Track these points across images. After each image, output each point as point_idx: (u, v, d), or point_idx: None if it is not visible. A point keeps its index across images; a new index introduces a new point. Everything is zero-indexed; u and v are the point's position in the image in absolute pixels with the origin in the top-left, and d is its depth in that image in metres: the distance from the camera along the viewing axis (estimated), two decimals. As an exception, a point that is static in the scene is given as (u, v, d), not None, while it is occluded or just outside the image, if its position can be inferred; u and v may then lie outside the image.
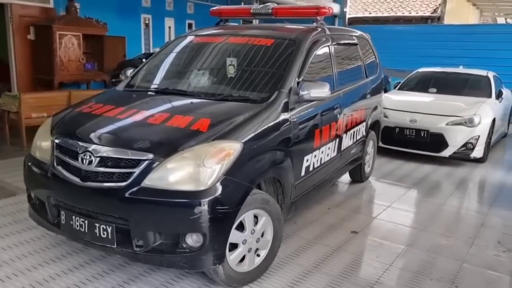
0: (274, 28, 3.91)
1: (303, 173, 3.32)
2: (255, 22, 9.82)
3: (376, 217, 4.12)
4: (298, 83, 3.19)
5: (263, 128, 2.77)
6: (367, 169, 5.17)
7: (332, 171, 4.00)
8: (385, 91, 9.23)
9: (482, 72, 7.42)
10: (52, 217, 2.77)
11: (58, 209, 2.72)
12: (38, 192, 2.89)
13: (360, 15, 13.64)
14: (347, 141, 4.19)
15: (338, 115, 3.84)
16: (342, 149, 4.10)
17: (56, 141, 2.78)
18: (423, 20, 12.94)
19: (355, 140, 4.45)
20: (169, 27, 10.79)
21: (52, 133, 2.87)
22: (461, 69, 7.78)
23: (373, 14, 13.53)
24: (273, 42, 3.50)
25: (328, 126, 3.66)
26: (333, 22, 12.63)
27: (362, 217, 4.10)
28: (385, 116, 6.38)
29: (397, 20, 13.11)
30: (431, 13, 12.82)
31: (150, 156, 2.43)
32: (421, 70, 7.96)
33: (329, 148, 3.75)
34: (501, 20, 18.77)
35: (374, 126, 5.19)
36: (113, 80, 7.71)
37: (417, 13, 12.91)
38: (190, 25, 11.19)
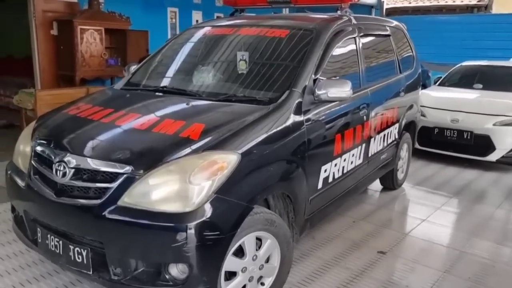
0: (291, 17, 3.43)
1: (320, 186, 2.86)
2: (281, 11, 9.34)
3: (408, 234, 3.59)
4: (314, 80, 2.73)
5: (268, 135, 2.33)
6: (400, 175, 4.61)
7: (358, 181, 3.50)
8: (424, 87, 8.55)
9: (535, 66, 6.61)
10: (31, 233, 2.46)
11: (35, 225, 2.40)
12: (16, 204, 2.59)
13: (399, 5, 12.81)
14: (375, 146, 3.68)
15: (364, 116, 3.34)
16: (370, 155, 3.59)
17: (35, 147, 2.46)
18: (469, 9, 11.95)
19: (385, 144, 3.92)
20: (197, 21, 10.48)
21: (33, 137, 2.56)
22: (510, 62, 6.99)
23: (413, 4, 12.65)
24: (288, 33, 3.04)
25: (353, 130, 3.17)
26: (369, 14, 11.90)
27: (392, 233, 3.58)
28: (423, 115, 5.76)
29: (439, 9, 12.18)
30: (478, 1, 11.84)
31: (129, 169, 2.05)
32: (465, 63, 7.22)
33: (353, 155, 3.26)
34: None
35: (409, 127, 4.62)
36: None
37: (461, 1, 11.96)
38: (218, 18, 10.83)
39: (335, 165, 3.00)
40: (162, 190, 2.02)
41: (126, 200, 2.03)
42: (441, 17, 11.52)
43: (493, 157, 5.38)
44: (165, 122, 2.32)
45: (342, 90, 2.66)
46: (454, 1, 12.16)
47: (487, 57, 7.94)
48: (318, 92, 2.66)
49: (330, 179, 2.98)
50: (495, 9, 11.78)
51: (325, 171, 2.89)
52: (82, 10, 7.75)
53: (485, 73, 6.80)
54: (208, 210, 1.98)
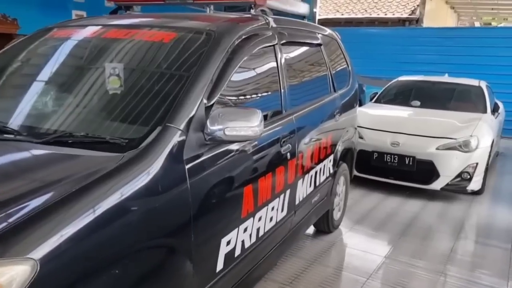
0: (184, 17, 2.45)
1: (220, 267, 1.89)
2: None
3: (348, 304, 2.73)
4: (208, 108, 1.77)
5: (114, 209, 1.33)
6: (336, 214, 3.79)
7: (282, 239, 2.59)
8: (360, 103, 8.00)
9: (473, 82, 6.20)
10: None
11: None
12: None
13: (331, 16, 12.40)
14: (305, 189, 2.80)
15: (288, 153, 2.44)
16: (298, 202, 2.70)
17: None
18: (400, 22, 11.78)
19: (318, 182, 3.07)
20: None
21: None
22: (447, 78, 6.55)
23: (345, 16, 12.29)
24: (174, 37, 2.07)
25: (271, 175, 2.25)
26: (302, 24, 11.33)
27: (328, 305, 2.70)
28: (361, 137, 5.05)
29: (371, 22, 11.91)
30: (409, 15, 11.70)
31: None
32: (401, 78, 6.69)
33: (273, 209, 2.34)
34: (478, 25, 17.97)
35: (346, 155, 3.83)
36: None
37: (393, 14, 11.77)
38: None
39: (245, 230, 2.05)
40: None
41: None
42: (374, 30, 11.24)
43: (437, 185, 4.76)
44: None
45: (248, 125, 1.72)
46: (386, 14, 11.95)
47: (421, 72, 7.56)
48: (211, 128, 1.70)
49: (238, 252, 2.02)
50: (426, 23, 11.70)
51: (228, 243, 1.93)
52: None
53: (422, 89, 6.30)
54: None
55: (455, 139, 4.77)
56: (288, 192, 2.50)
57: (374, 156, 4.98)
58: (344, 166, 3.75)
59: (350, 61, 4.01)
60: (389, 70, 9.30)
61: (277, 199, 2.37)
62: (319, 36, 3.34)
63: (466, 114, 5.42)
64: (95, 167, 1.40)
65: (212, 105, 1.79)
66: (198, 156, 1.68)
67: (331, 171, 3.35)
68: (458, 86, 6.20)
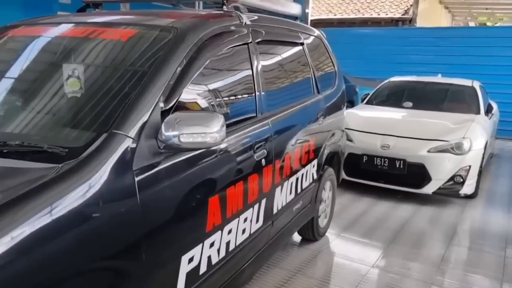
0: (153, 14, 2.27)
1: (181, 287, 1.72)
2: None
3: (331, 319, 2.56)
4: (164, 112, 1.60)
5: (41, 231, 1.16)
6: (322, 222, 3.62)
7: (258, 251, 2.41)
8: (352, 104, 7.85)
9: (466, 82, 6.05)
10: None
11: None
12: None
13: (324, 16, 12.24)
14: (284, 197, 2.63)
15: (263, 159, 2.27)
16: (276, 211, 2.53)
17: None
18: (393, 22, 11.64)
19: (300, 189, 2.90)
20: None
21: None
22: (440, 78, 6.41)
23: (338, 16, 12.12)
24: (133, 34, 1.90)
25: (242, 184, 2.08)
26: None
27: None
28: (350, 140, 4.89)
29: (364, 22, 11.76)
30: (402, 15, 11.56)
31: None
32: (393, 79, 6.54)
33: (245, 220, 2.17)
34: (472, 25, 17.86)
35: (333, 159, 3.67)
36: None
37: (386, 14, 11.62)
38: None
39: (211, 245, 1.88)
40: None
41: None
42: (367, 30, 11.10)
43: (429, 189, 4.60)
44: None
45: (206, 131, 1.55)
46: (379, 14, 11.82)
47: (414, 72, 7.41)
48: (166, 134, 1.53)
49: (203, 269, 1.85)
50: (419, 23, 11.57)
51: (191, 260, 1.75)
52: None
53: (414, 90, 6.15)
54: None
55: (447, 141, 4.62)
56: (264, 201, 2.33)
57: (364, 159, 4.82)
58: (330, 170, 3.58)
59: (336, 61, 3.85)
60: (382, 70, 9.15)
61: (251, 209, 2.20)
62: (301, 35, 3.18)
63: (459, 115, 5.27)
64: (26, 181, 1.22)
65: (170, 109, 1.62)
66: (151, 167, 1.51)
67: (315, 176, 3.18)
68: (451, 86, 6.06)
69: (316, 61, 3.39)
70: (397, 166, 4.65)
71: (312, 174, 3.12)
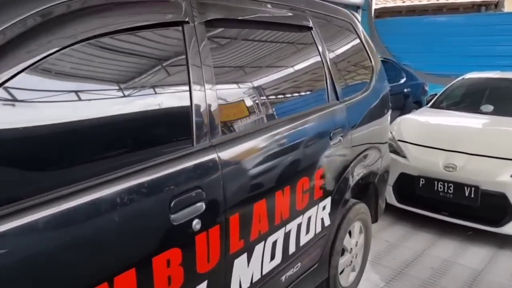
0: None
1: None
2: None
3: None
4: None
5: None
6: (346, 279, 2.58)
7: None
8: (420, 107, 6.57)
9: None
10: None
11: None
12: None
13: (390, 4, 10.77)
14: (251, 271, 1.67)
15: (195, 221, 1.34)
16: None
17: None
18: (475, 7, 9.92)
19: (292, 249, 1.92)
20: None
21: None
22: (533, 74, 4.97)
23: (407, 3, 10.60)
24: None
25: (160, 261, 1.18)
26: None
27: None
28: (403, 156, 3.78)
29: (439, 9, 10.14)
30: (486, -2, 9.81)
31: None
32: (469, 75, 5.21)
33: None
34: None
35: (365, 190, 2.64)
36: None
37: (466, -1, 9.93)
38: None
39: None
40: None
41: None
42: (442, 18, 9.57)
43: (511, 228, 3.34)
44: None
45: None
46: (456, -1, 10.15)
47: (499, 67, 5.92)
48: None
49: None
50: (508, 7, 9.77)
51: None
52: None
53: (497, 90, 4.80)
54: None
55: (541, 162, 3.32)
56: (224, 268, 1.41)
57: (421, 183, 3.65)
58: (360, 207, 2.54)
59: (375, 53, 2.79)
60: (459, 65, 7.74)
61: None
62: (310, 16, 2.17)
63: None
64: None
65: None
66: None
67: (327, 222, 2.17)
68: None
69: (337, 55, 2.37)
70: (467, 194, 3.44)
71: (322, 219, 2.12)
